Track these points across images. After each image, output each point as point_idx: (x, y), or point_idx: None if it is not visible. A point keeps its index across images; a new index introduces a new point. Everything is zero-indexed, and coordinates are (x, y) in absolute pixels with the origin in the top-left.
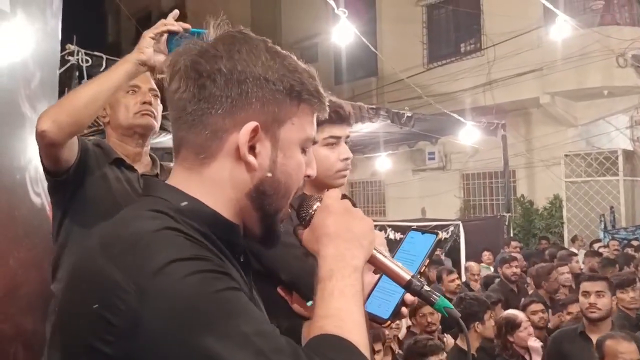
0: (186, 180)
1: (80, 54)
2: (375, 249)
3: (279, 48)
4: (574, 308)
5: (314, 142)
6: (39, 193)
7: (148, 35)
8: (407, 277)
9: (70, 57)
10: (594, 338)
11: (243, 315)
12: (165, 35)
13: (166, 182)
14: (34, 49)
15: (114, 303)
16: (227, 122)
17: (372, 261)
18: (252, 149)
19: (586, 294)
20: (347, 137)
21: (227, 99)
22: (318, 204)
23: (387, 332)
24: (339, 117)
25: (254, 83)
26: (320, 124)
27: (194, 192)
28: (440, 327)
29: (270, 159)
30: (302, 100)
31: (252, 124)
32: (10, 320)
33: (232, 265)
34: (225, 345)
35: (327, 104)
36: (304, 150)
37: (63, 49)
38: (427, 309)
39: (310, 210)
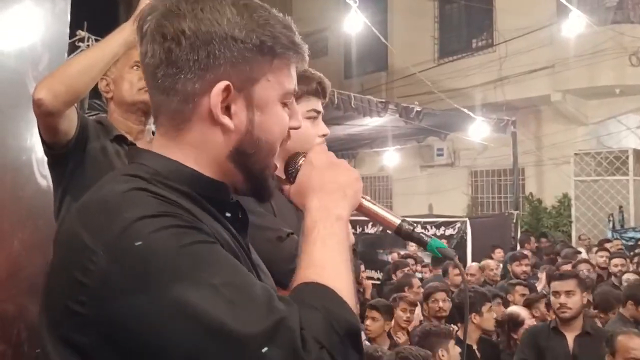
0: (165, 147)
1: (90, 40)
2: (363, 197)
3: (250, 1)
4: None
5: (295, 94)
6: (45, 175)
7: (145, 2)
8: (398, 221)
9: (80, 44)
10: (567, 333)
11: (212, 266)
12: None
13: (149, 149)
14: (43, 31)
15: (84, 264)
16: (197, 86)
17: (361, 209)
18: (227, 110)
19: (556, 293)
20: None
21: (195, 63)
22: (303, 158)
23: (401, 314)
24: (323, 90)
25: (220, 43)
26: (304, 95)
27: (174, 157)
28: None
29: (247, 118)
30: (275, 55)
31: (223, 84)
32: (13, 301)
33: (218, 222)
34: (194, 296)
35: (306, 53)
36: (285, 104)
37: (74, 35)
38: (440, 295)
39: (297, 166)
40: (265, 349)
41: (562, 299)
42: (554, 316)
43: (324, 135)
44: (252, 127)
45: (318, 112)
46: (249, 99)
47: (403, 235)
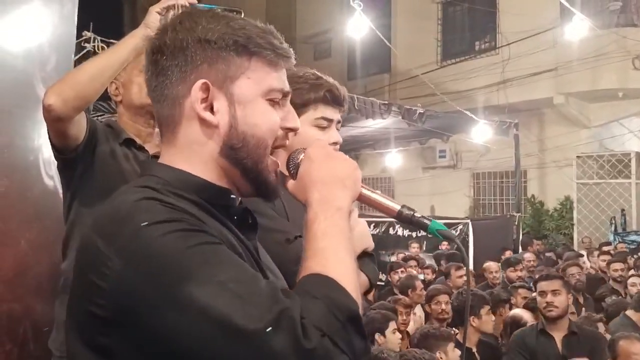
0: (168, 154)
1: (96, 41)
2: (363, 187)
3: (230, 14)
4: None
5: (285, 94)
6: (52, 176)
7: (155, 10)
8: (397, 207)
9: (86, 44)
10: (554, 334)
11: (218, 265)
12: (172, 10)
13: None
14: (50, 32)
15: (100, 269)
16: (180, 88)
17: (361, 198)
18: (211, 109)
19: (543, 293)
20: (339, 122)
21: (176, 67)
22: (302, 155)
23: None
24: (333, 98)
25: (195, 46)
26: (313, 103)
27: (178, 164)
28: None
29: (229, 114)
30: (252, 53)
31: (200, 82)
32: (19, 300)
33: (224, 226)
34: (202, 293)
35: (289, 55)
36: (274, 102)
37: (80, 35)
38: (443, 297)
39: (297, 162)
40: (267, 338)
41: (549, 297)
42: None
43: (334, 144)
44: (236, 122)
45: (329, 120)
46: (229, 95)
47: (403, 220)
